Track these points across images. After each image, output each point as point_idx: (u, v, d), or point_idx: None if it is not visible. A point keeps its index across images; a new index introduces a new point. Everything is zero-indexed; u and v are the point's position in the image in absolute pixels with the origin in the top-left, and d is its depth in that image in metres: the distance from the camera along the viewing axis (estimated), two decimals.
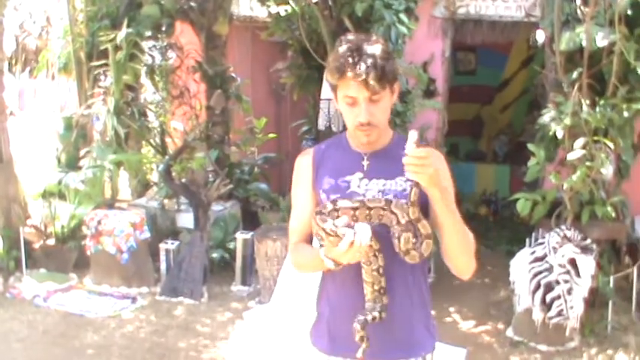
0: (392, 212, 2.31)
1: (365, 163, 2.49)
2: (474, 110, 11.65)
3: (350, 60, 2.33)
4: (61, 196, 7.63)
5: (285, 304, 5.55)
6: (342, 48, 2.38)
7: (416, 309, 2.47)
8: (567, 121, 5.66)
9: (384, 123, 2.47)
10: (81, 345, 5.63)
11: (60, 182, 7.41)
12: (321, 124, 7.35)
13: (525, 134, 10.53)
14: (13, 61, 13.20)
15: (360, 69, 2.31)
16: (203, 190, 6.87)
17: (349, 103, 2.39)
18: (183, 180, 7.16)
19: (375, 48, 2.36)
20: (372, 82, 2.31)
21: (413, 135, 2.20)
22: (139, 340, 5.75)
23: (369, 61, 2.32)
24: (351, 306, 2.41)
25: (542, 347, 5.64)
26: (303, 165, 2.62)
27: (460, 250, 2.42)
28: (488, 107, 11.69)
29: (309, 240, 2.56)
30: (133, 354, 5.47)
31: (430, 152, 2.21)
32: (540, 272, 5.54)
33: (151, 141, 8.75)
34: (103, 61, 7.84)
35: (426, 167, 2.17)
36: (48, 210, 7.50)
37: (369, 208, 2.33)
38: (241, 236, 6.96)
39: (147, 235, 6.94)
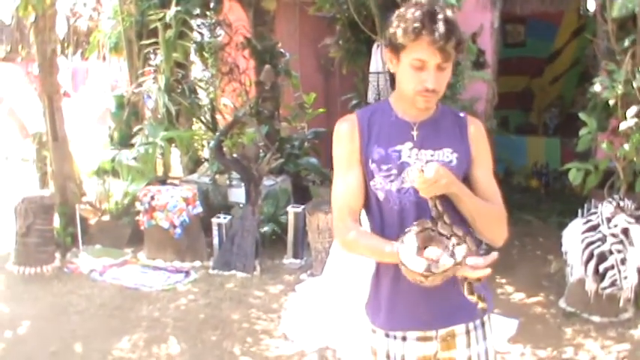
0: (440, 234, 2.32)
1: (415, 133, 2.44)
2: (524, 82, 11.48)
3: (428, 23, 2.28)
4: (115, 174, 7.77)
5: (337, 276, 5.60)
6: (417, 10, 2.32)
7: None
8: (620, 89, 5.58)
9: (443, 90, 2.41)
10: (137, 317, 5.76)
11: (113, 160, 7.53)
12: (371, 97, 7.35)
13: (576, 106, 10.34)
14: (65, 44, 13.38)
15: (439, 34, 2.26)
16: (254, 164, 6.93)
17: (417, 66, 2.32)
18: (235, 155, 7.23)
19: (450, 14, 2.32)
20: (449, 49, 2.28)
21: (415, 167, 2.25)
22: (194, 312, 5.85)
23: (448, 27, 2.28)
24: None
25: (596, 318, 5.58)
26: (347, 132, 2.48)
27: (489, 226, 2.43)
28: (539, 79, 11.52)
29: (358, 216, 2.50)
30: (187, 325, 5.57)
31: (436, 170, 2.21)
32: (593, 242, 5.49)
33: (202, 118, 8.85)
34: (152, 40, 7.93)
35: (438, 184, 2.21)
36: (102, 187, 7.67)
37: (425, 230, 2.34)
38: (293, 210, 7.03)
39: (199, 209, 7.05)
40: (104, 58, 11.23)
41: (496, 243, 2.47)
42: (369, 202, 2.50)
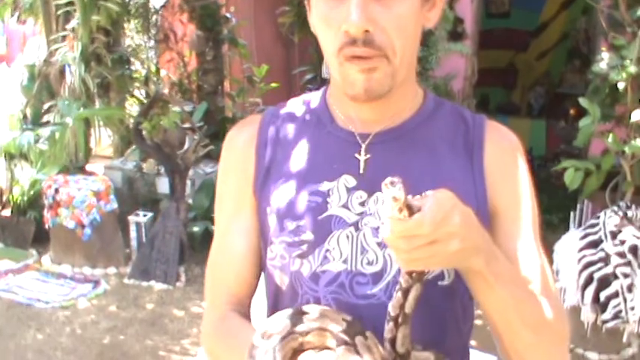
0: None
1: (362, 157, 1.22)
2: (507, 57, 10.37)
3: None
4: (27, 159, 6.55)
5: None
6: None
7: None
8: (632, 69, 4.40)
9: (403, 52, 1.16)
10: (16, 348, 4.52)
11: (16, 141, 6.30)
12: (325, 71, 6.16)
13: (564, 85, 9.43)
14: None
15: None
16: (179, 152, 5.71)
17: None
18: (156, 140, 5.96)
19: None
20: None
21: (391, 189, 0.93)
22: (89, 340, 4.63)
23: None
24: None
25: (592, 355, 4.52)
26: (239, 150, 1.32)
27: (543, 353, 1.19)
28: (523, 54, 10.38)
29: (247, 304, 1.33)
30: (79, 359, 4.39)
31: (442, 208, 0.97)
32: (593, 263, 4.33)
33: (135, 92, 7.60)
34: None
35: (444, 246, 0.97)
36: (9, 174, 6.45)
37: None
38: None
39: (114, 206, 5.81)
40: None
41: None
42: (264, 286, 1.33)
